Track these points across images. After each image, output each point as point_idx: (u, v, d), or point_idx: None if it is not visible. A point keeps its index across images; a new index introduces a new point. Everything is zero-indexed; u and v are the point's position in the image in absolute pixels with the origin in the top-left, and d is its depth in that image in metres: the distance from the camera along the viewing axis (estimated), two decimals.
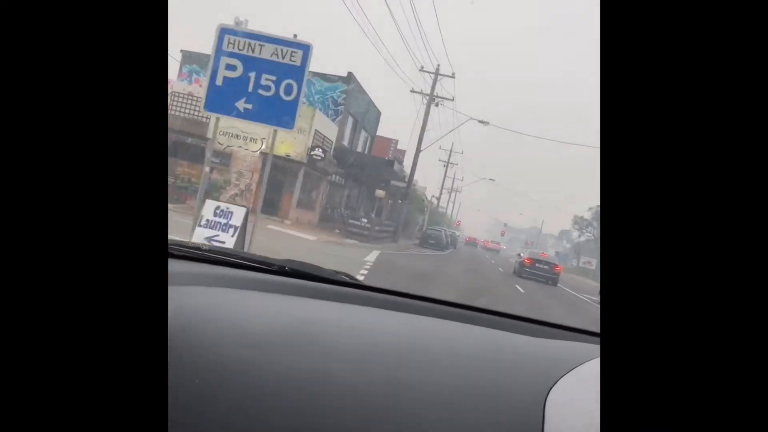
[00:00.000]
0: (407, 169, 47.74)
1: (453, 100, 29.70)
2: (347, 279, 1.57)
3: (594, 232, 76.18)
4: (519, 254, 30.61)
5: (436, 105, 29.63)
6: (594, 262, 62.89)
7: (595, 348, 1.13)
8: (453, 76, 29.33)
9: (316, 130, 22.41)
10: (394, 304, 1.40)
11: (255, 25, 8.65)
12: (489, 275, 22.21)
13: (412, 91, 29.55)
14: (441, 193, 55.54)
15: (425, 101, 29.34)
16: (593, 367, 0.96)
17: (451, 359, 0.96)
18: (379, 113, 33.58)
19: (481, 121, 29.61)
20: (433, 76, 29.33)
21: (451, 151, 54.04)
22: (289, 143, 21.64)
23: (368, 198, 36.56)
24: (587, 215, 75.72)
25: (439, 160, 54.55)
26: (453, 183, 71.07)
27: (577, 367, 0.96)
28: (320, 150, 22.03)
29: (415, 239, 37.50)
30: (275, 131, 7.76)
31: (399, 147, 41.55)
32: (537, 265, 24.19)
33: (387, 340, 1.03)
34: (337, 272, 1.61)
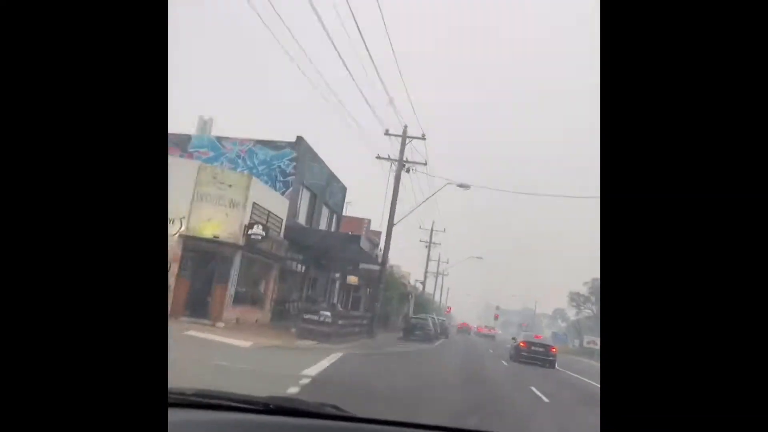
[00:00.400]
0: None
1: (426, 164, 25.48)
2: (334, 411, 1.50)
3: (593, 308, 71.10)
4: (513, 338, 29.52)
5: (407, 171, 25.35)
6: (598, 341, 57.22)
7: None
8: (424, 138, 25.28)
9: (255, 203, 17.72)
10: None
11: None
12: (493, 375, 16.84)
13: (378, 157, 25.34)
14: (425, 277, 50.50)
15: (395, 167, 25.06)
16: None
17: None
18: (344, 188, 29.22)
19: (461, 185, 25.27)
20: (401, 139, 25.25)
21: (432, 229, 49.69)
22: (218, 221, 16.84)
23: (342, 287, 31.50)
24: (584, 290, 70.95)
25: (420, 241, 50.08)
26: (438, 266, 66.23)
27: None
28: (260, 227, 17.21)
29: (399, 331, 32.16)
30: None
31: (373, 228, 36.97)
32: (533, 348, 23.53)
33: None
34: (323, 404, 1.56)
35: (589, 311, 71.00)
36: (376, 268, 26.04)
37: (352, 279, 27.58)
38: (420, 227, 49.40)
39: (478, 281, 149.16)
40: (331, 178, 26.56)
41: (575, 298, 70.91)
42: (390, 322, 37.71)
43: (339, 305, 25.24)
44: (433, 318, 34.86)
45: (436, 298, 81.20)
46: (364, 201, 37.72)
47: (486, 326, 76.04)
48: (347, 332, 19.84)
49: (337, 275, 28.81)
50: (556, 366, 26.06)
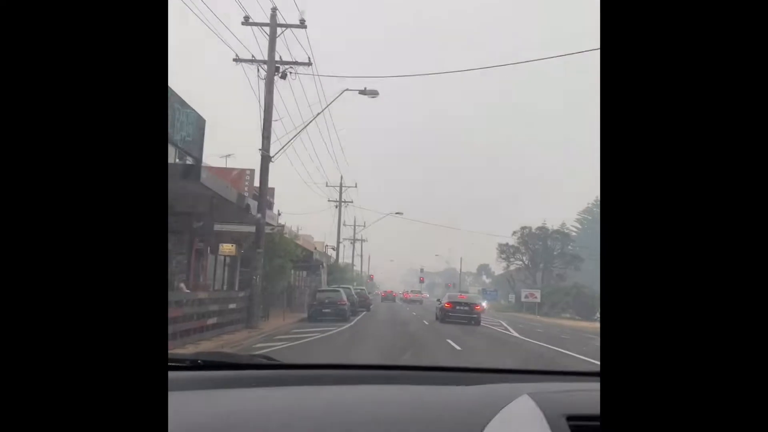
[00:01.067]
0: (281, 217, 34.57)
1: (310, 64, 17.33)
2: (264, 361, 1.56)
3: (524, 259, 66.30)
4: (438, 300, 29.23)
5: (283, 76, 17.10)
6: (538, 294, 51.90)
7: (519, 386, 1.19)
8: (303, 26, 17.08)
9: None
10: (316, 378, 1.41)
11: None
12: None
13: (237, 59, 16.92)
14: (339, 243, 42.55)
15: (261, 67, 16.75)
16: (518, 406, 1.00)
17: (376, 425, 0.97)
18: (200, 120, 20.52)
19: (364, 91, 17.33)
20: (270, 30, 16.87)
21: (341, 185, 41.78)
22: None
23: (228, 262, 23.11)
24: (512, 240, 65.88)
25: (330, 201, 42.17)
26: (354, 230, 58.63)
27: (504, 408, 0.99)
28: None
29: (304, 312, 24.35)
30: None
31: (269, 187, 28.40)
32: (458, 307, 23.80)
33: (309, 418, 1.04)
34: (253, 356, 1.64)
35: (520, 263, 66.09)
36: (250, 229, 17.87)
37: (225, 248, 19.29)
38: (327, 184, 41.46)
39: (400, 243, 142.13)
40: (172, 99, 17.79)
41: (505, 250, 65.59)
42: (296, 300, 29.81)
43: (185, 285, 16.80)
44: (347, 289, 27.23)
45: (357, 267, 74.08)
46: (249, 152, 28.96)
47: (412, 291, 69.72)
48: (195, 326, 11.67)
49: (204, 244, 20.34)
50: (514, 333, 22.24)
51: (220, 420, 0.99)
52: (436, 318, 24.98)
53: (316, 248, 31.24)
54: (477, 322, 23.56)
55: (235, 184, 22.64)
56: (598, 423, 0.82)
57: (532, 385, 1.26)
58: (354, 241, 62.70)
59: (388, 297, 67.65)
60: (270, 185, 32.95)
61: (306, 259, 28.71)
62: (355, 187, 44.33)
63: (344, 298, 22.84)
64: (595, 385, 0.99)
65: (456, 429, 0.93)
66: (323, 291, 24.55)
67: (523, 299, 53.02)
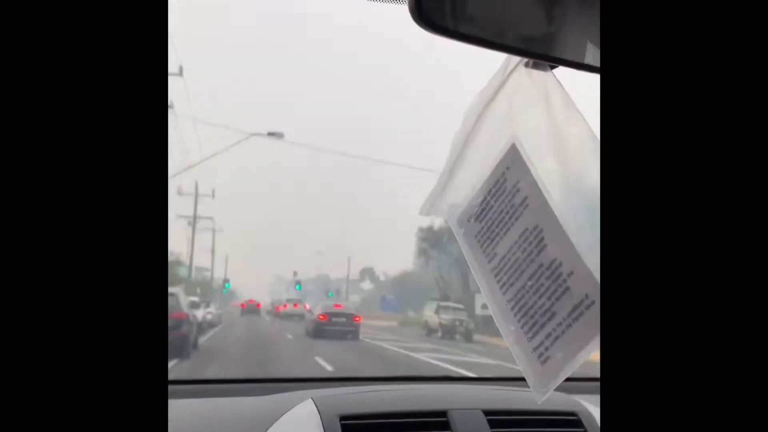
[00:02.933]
0: None
1: None
2: None
3: (453, 251, 46.05)
4: (310, 311, 26.24)
5: None
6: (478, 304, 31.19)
7: (310, 392, 1.26)
8: None
9: None
10: None
11: None
12: None
13: None
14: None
15: None
16: (300, 409, 1.16)
17: None
18: None
19: None
20: None
21: None
22: None
23: None
24: (439, 222, 45.53)
25: None
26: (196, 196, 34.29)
27: (287, 412, 1.15)
28: None
29: None
30: None
31: None
32: (334, 319, 21.44)
33: None
34: None
35: (447, 257, 45.49)
36: None
37: None
38: None
39: (268, 229, 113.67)
40: None
41: (428, 236, 44.57)
42: None
43: None
44: None
45: (209, 273, 49.07)
46: None
47: (288, 301, 47.37)
48: None
49: None
50: None
51: None
52: (307, 333, 21.96)
53: None
54: (355, 336, 20.82)
55: None
56: (366, 421, 1.05)
57: (325, 391, 1.35)
58: (195, 218, 38.27)
59: (250, 308, 46.53)
60: None
61: None
62: (180, 74, 20.57)
63: None
64: (373, 387, 1.30)
65: None
66: None
67: (480, 309, 32.18)
